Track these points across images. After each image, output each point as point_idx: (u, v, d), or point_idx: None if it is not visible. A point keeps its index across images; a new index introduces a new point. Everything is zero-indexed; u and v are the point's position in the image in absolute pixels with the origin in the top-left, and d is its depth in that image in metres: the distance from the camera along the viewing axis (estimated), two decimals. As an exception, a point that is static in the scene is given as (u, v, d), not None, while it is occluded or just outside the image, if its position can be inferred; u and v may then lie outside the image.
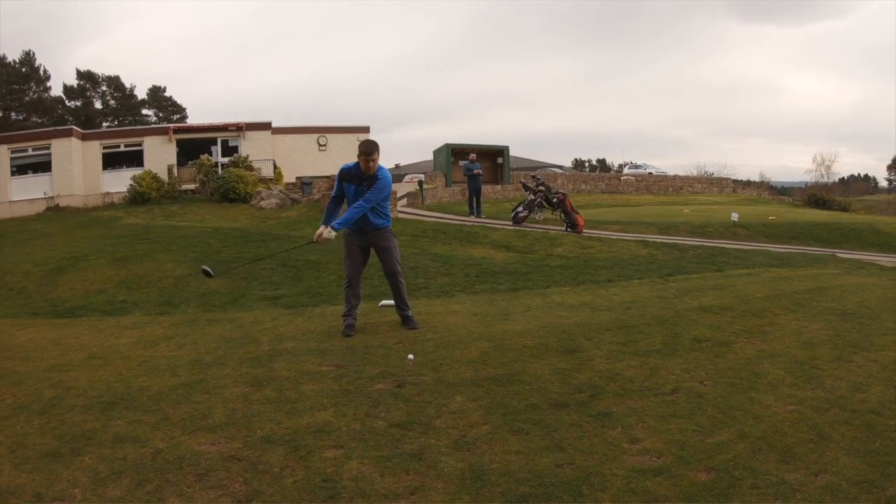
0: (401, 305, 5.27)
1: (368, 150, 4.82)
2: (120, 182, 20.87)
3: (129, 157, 22.43)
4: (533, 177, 22.47)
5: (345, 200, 5.12)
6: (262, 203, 17.42)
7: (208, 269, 5.35)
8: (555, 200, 15.61)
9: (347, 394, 3.61)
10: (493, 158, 28.74)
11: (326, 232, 4.89)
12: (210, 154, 21.72)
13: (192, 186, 20.89)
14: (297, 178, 21.19)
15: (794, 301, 5.75)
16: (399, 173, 40.36)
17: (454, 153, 27.53)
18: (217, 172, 20.25)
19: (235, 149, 22.53)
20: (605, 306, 6.05)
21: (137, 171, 20.57)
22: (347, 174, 4.99)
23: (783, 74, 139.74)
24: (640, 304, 6.12)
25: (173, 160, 22.03)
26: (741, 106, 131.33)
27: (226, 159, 21.78)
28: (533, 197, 16.36)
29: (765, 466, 2.70)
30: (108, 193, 21.05)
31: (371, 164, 4.83)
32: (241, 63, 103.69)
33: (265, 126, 23.22)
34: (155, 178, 20.06)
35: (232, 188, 18.36)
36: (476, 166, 17.48)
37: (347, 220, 4.87)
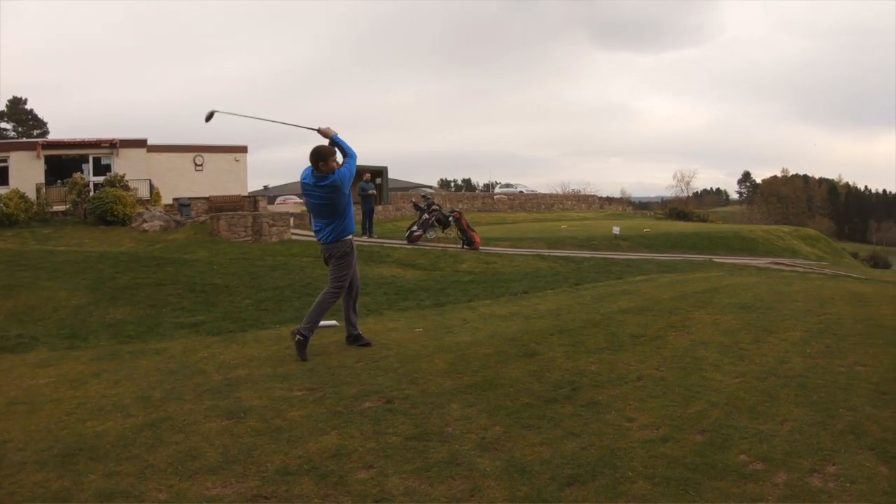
0: (354, 320, 5.19)
1: (323, 153, 4.66)
2: (-18, 203, 18.09)
3: (-7, 174, 19.66)
4: (423, 197, 23.03)
5: (325, 215, 4.88)
6: (145, 225, 16.05)
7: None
8: (451, 219, 16.23)
9: (340, 415, 3.51)
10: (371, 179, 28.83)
11: (331, 131, 4.84)
12: (82, 172, 19.67)
13: (62, 208, 18.73)
14: (175, 200, 19.79)
15: (698, 300, 6.59)
16: (269, 195, 39.22)
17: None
18: (89, 193, 18.37)
19: (108, 167, 20.63)
20: (536, 315, 6.44)
21: (3, 191, 18.02)
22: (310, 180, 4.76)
23: (640, 98, 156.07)
24: (567, 310, 6.59)
25: (42, 178, 19.69)
26: (601, 127, 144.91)
27: (99, 178, 19.85)
28: (428, 216, 16.84)
29: (741, 423, 3.30)
30: (-32, 215, 18.12)
31: (329, 167, 4.68)
32: (107, 78, 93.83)
33: (140, 143, 21.41)
34: (23, 198, 17.66)
35: (109, 210, 16.83)
36: (370, 186, 17.68)
37: (346, 145, 4.80)
